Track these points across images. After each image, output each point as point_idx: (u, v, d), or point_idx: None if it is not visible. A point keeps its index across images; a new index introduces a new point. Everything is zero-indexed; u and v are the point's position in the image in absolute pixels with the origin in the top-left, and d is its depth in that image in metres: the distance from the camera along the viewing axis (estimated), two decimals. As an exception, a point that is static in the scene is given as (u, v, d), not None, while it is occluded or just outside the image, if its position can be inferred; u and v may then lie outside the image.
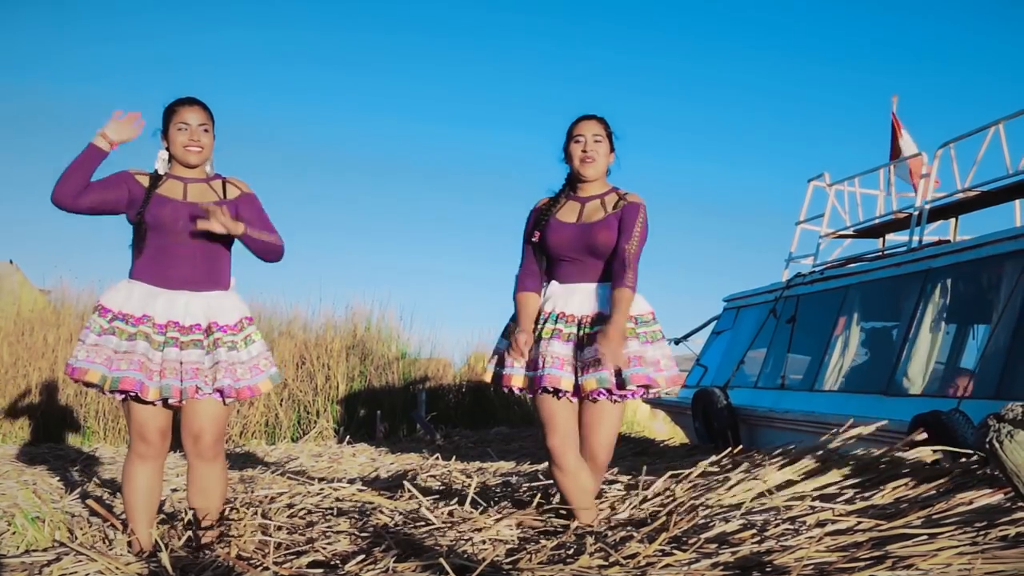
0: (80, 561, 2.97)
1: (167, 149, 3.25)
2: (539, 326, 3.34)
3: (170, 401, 3.18)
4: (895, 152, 8.72)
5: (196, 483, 3.27)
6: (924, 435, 4.07)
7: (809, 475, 3.73)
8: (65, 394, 9.49)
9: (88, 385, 3.15)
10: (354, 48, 32.75)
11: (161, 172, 3.26)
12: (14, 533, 3.49)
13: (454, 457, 6.30)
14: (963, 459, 3.75)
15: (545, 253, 3.41)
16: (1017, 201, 7.16)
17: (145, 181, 3.22)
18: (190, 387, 3.14)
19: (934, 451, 3.90)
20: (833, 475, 3.71)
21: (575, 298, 3.33)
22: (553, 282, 3.40)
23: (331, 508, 3.71)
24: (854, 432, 4.21)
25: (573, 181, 3.45)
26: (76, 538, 3.38)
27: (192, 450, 3.24)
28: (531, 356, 3.33)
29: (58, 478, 5.51)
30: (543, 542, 2.93)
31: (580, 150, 3.37)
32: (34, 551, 3.20)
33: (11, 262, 14.12)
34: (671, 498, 3.55)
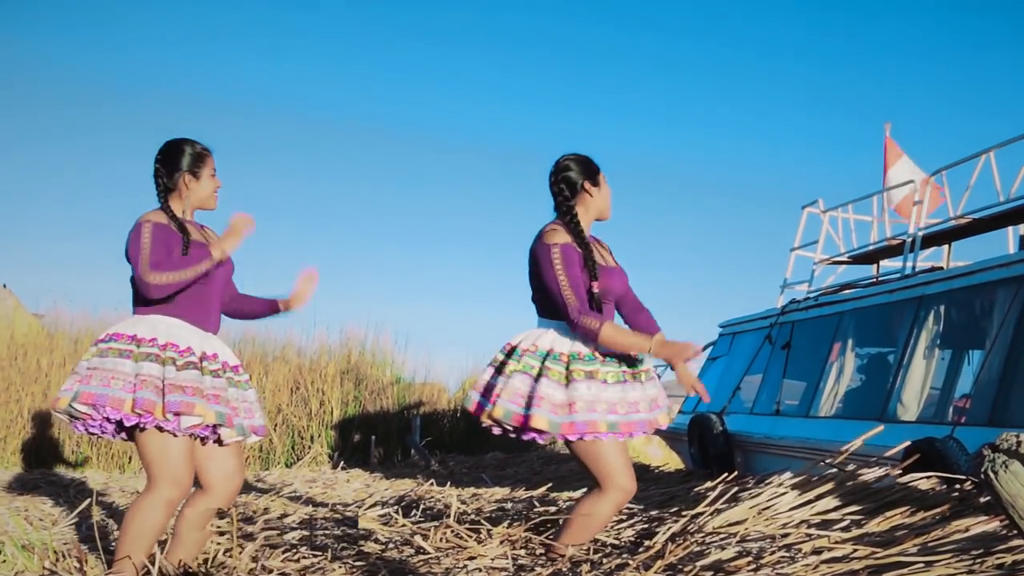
0: (72, 589, 2.94)
1: (191, 190, 3.17)
2: (607, 370, 3.12)
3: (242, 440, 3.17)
4: (888, 182, 8.78)
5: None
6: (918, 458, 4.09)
7: (805, 502, 3.73)
8: (57, 420, 9.42)
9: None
10: (347, 59, 32.95)
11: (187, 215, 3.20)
12: (4, 561, 3.45)
13: (449, 483, 6.27)
14: (958, 486, 3.75)
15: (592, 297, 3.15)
16: (1009, 228, 7.21)
17: (171, 224, 3.10)
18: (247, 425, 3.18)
19: (928, 477, 3.90)
20: (829, 502, 3.70)
21: None
22: None
23: (325, 534, 3.69)
24: (845, 453, 4.21)
25: (574, 218, 3.23)
26: (66, 566, 3.34)
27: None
28: (612, 399, 3.12)
29: (50, 505, 5.47)
30: (538, 570, 2.91)
31: (610, 195, 3.32)
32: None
33: (4, 286, 14.10)
34: (666, 524, 3.54)
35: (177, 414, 2.94)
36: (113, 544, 3.84)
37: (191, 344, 3.06)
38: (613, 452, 3.12)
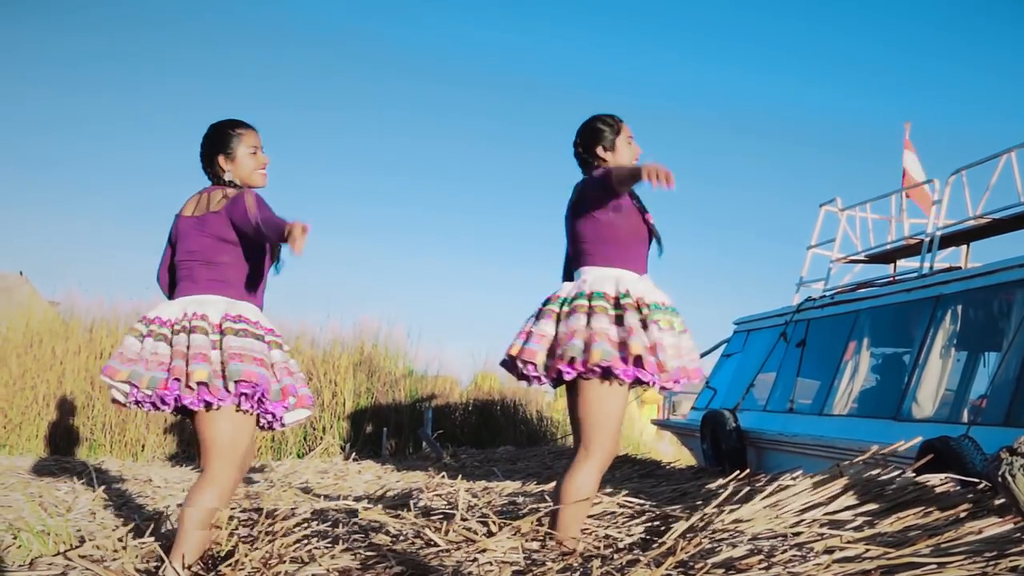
0: None
1: (228, 171, 3.23)
2: (648, 312, 3.19)
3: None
4: (908, 179, 8.74)
5: None
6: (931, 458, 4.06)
7: (817, 501, 3.70)
8: (72, 406, 9.51)
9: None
10: (356, 57, 32.95)
11: None
12: (19, 547, 3.48)
13: (460, 476, 6.28)
14: (973, 486, 3.72)
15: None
16: (1029, 229, 7.14)
17: None
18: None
19: (943, 479, 3.87)
20: (842, 501, 3.68)
21: None
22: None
23: (335, 526, 3.70)
24: (864, 457, 4.19)
25: None
26: (82, 551, 3.36)
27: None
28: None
29: (64, 491, 5.50)
30: (549, 564, 2.91)
31: (637, 151, 3.47)
32: (39, 565, 3.19)
33: (21, 274, 14.20)
34: (678, 521, 3.53)
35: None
36: (121, 526, 3.86)
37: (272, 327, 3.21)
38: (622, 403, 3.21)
